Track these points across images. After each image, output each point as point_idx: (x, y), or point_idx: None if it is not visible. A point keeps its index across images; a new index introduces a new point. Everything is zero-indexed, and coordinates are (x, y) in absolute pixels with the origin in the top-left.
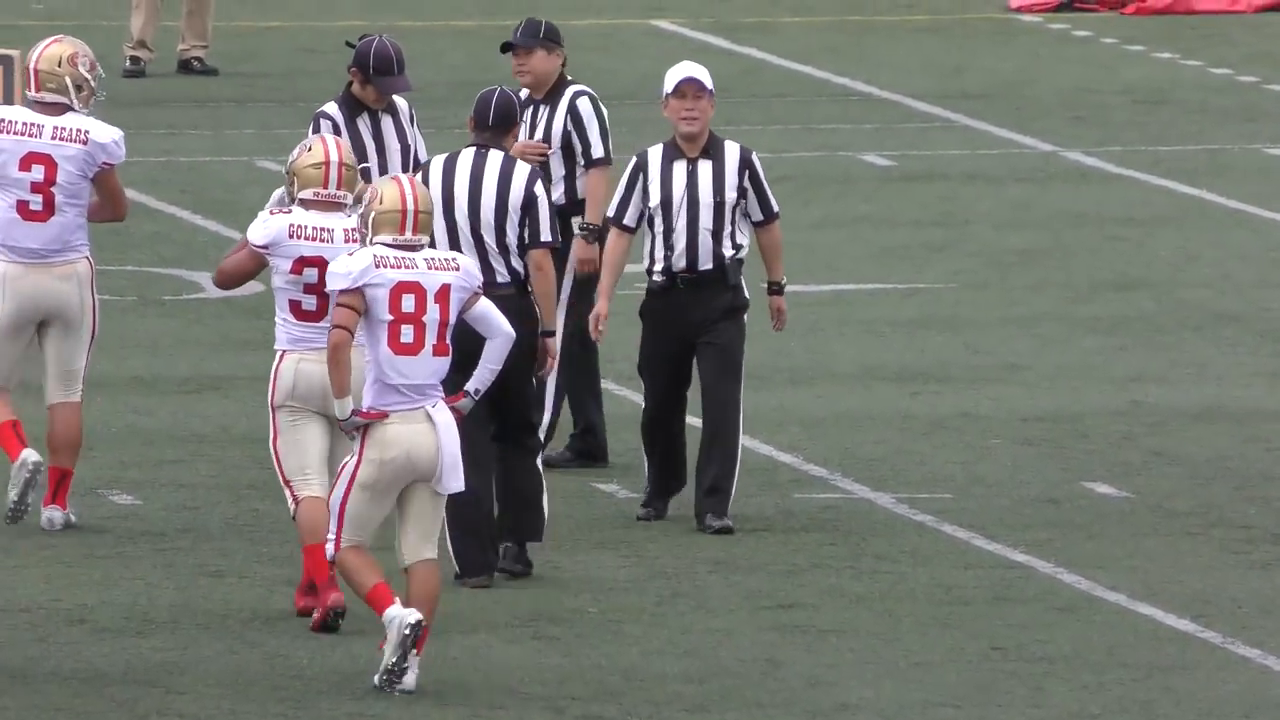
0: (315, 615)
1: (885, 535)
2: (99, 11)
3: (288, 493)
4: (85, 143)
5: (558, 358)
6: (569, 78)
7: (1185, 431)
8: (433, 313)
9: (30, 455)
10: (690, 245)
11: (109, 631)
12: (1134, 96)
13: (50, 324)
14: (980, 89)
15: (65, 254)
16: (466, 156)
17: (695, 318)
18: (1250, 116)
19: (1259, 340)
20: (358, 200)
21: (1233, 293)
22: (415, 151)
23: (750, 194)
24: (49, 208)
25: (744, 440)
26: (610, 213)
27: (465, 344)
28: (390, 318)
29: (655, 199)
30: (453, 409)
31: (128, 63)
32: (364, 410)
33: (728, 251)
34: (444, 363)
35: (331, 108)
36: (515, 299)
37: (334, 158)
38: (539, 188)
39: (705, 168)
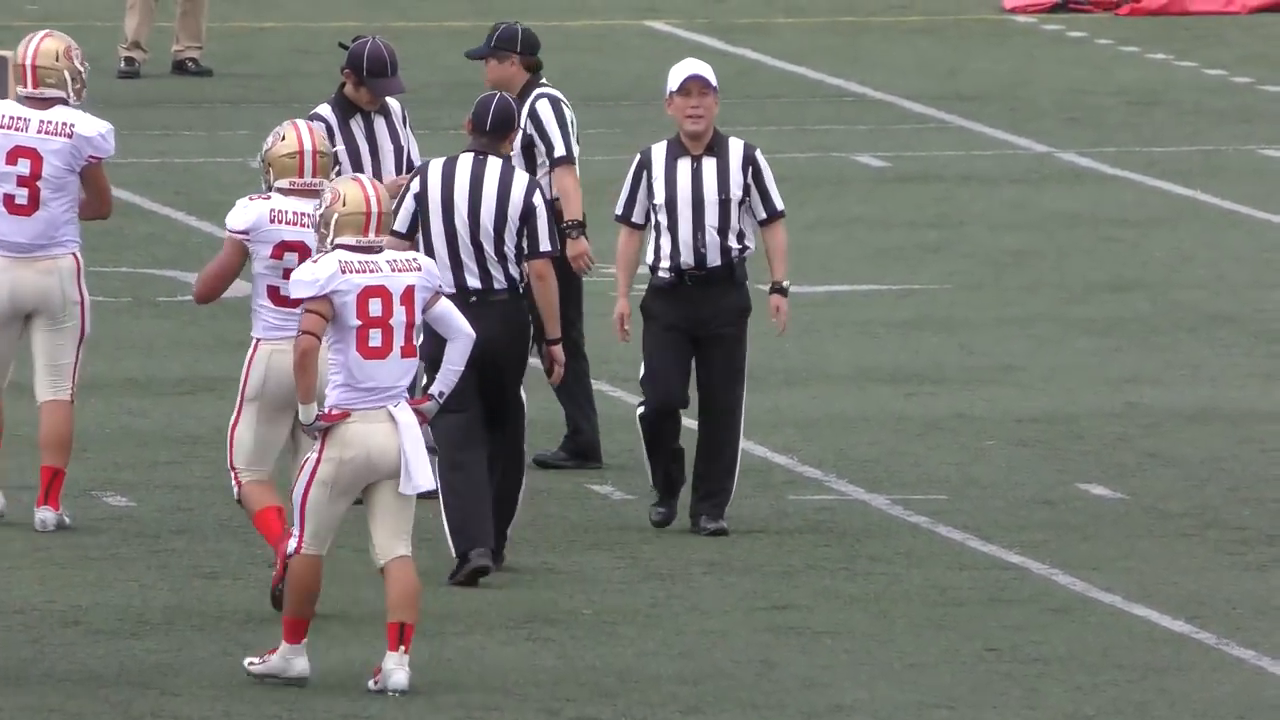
0: (275, 571)
1: (880, 536)
2: (93, 12)
3: (232, 476)
4: (70, 136)
5: (564, 364)
6: (543, 81)
7: (1180, 433)
8: (399, 315)
9: None
10: (697, 243)
11: (103, 633)
12: (1128, 97)
13: (35, 318)
14: (975, 90)
15: (50, 249)
16: (465, 161)
17: (704, 314)
18: (1245, 117)
19: (1254, 341)
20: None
21: (1227, 294)
22: (409, 153)
23: (753, 191)
24: (34, 202)
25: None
26: (618, 211)
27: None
28: (359, 323)
29: (660, 196)
30: (417, 412)
31: (122, 64)
32: (326, 412)
33: (734, 248)
34: (412, 364)
35: (325, 109)
36: (510, 303)
37: (308, 146)
38: (537, 198)
39: (710, 165)
